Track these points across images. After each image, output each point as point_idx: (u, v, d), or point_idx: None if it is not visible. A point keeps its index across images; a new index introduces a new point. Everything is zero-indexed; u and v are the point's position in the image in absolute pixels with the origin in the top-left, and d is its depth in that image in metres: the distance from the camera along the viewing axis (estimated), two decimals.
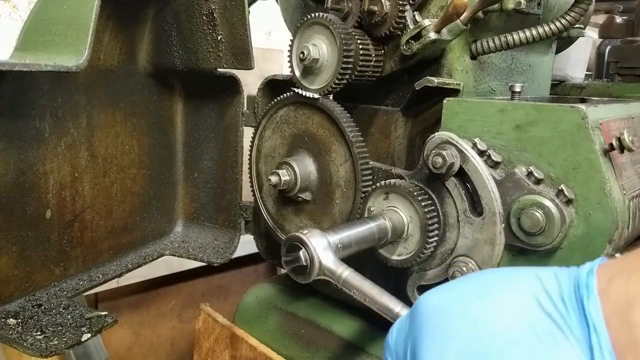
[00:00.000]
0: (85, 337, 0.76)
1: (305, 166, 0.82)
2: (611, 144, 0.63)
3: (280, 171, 0.81)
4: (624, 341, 0.37)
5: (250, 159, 0.92)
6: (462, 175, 0.66)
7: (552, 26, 0.76)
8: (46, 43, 0.75)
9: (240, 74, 0.98)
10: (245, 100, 1.01)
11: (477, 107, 0.67)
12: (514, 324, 0.41)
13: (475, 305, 0.43)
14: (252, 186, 0.93)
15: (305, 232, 0.60)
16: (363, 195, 0.76)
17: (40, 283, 0.86)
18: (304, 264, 0.60)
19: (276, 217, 0.90)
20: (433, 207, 0.68)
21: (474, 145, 0.66)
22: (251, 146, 0.91)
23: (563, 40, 1.02)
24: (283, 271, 1.23)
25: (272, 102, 0.85)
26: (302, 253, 0.60)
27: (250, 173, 0.93)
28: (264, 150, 0.89)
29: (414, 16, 0.74)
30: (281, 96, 0.84)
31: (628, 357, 0.37)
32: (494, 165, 0.66)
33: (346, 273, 0.59)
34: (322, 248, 0.60)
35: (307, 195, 0.83)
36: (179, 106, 1.09)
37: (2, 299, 0.80)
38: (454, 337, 0.42)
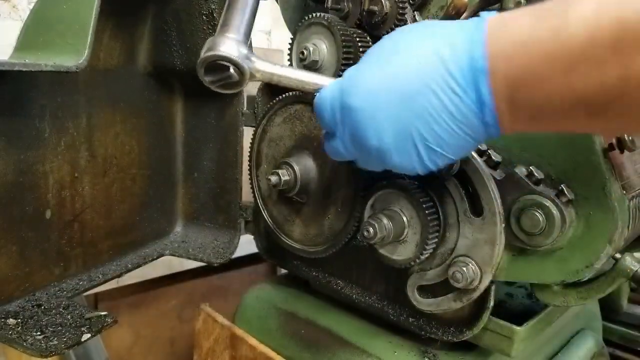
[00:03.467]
0: (85, 337, 0.76)
1: (307, 170, 0.81)
2: (611, 144, 0.63)
3: (280, 171, 0.81)
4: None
5: (253, 137, 0.90)
6: (463, 175, 0.66)
7: None
8: (46, 43, 0.75)
9: None
10: (245, 100, 1.01)
11: None
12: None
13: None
14: (250, 162, 0.91)
15: (220, 48, 0.58)
16: (357, 224, 0.76)
17: (40, 283, 0.86)
18: (237, 79, 0.59)
19: (267, 200, 0.90)
20: (433, 207, 0.68)
21: None
22: (257, 125, 0.89)
23: None
24: (283, 271, 1.23)
25: (289, 95, 0.83)
26: (232, 70, 0.59)
27: (251, 149, 0.91)
28: (270, 133, 0.87)
29: (414, 16, 0.74)
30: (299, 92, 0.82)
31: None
32: (494, 165, 0.66)
33: (278, 69, 0.61)
34: (244, 57, 0.59)
35: (302, 198, 0.83)
36: (179, 106, 1.09)
37: (2, 299, 0.80)
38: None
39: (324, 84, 0.59)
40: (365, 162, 0.58)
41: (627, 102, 0.42)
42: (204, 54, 0.58)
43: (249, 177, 0.93)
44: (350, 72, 0.56)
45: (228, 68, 0.59)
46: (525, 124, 0.49)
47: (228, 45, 0.58)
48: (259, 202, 0.90)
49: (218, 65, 0.59)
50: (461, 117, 0.48)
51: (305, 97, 0.81)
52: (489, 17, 0.48)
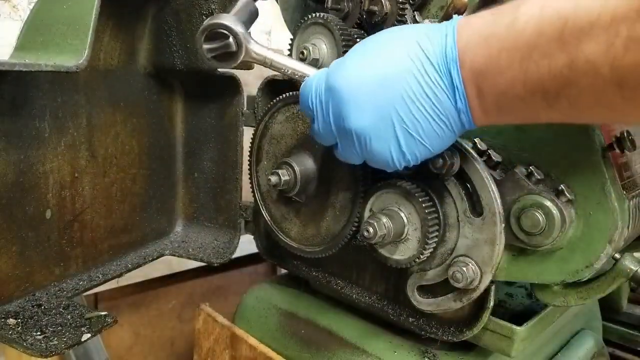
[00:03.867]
0: (85, 337, 0.76)
1: (307, 171, 0.81)
2: (611, 144, 0.63)
3: (280, 171, 0.81)
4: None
5: (254, 132, 0.90)
6: (462, 175, 0.66)
7: None
8: (46, 43, 0.75)
9: (240, 74, 0.98)
10: (245, 100, 1.01)
11: None
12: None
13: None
14: (250, 157, 0.91)
15: (222, 18, 0.63)
16: (354, 228, 0.76)
17: (40, 283, 0.86)
18: (234, 49, 0.63)
19: (266, 196, 0.90)
20: (433, 207, 0.68)
21: (474, 145, 0.66)
22: (259, 121, 0.89)
23: None
24: (283, 271, 1.22)
25: (293, 93, 0.82)
26: (231, 40, 0.63)
27: (252, 145, 0.91)
28: (271, 130, 0.86)
29: (414, 16, 0.74)
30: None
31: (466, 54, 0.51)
32: (494, 165, 0.66)
33: (271, 54, 0.66)
34: (245, 34, 0.64)
35: (301, 198, 0.83)
36: (179, 106, 1.09)
37: (2, 299, 0.80)
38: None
39: (311, 73, 0.63)
40: (345, 148, 0.60)
41: (576, 90, 0.45)
42: (205, 21, 0.63)
43: (249, 175, 0.93)
44: (336, 60, 0.60)
45: (227, 37, 0.62)
46: (493, 112, 0.53)
47: (229, 18, 0.62)
48: (258, 198, 0.90)
49: (218, 34, 0.62)
50: (436, 101, 0.53)
51: None
52: (460, 18, 0.54)
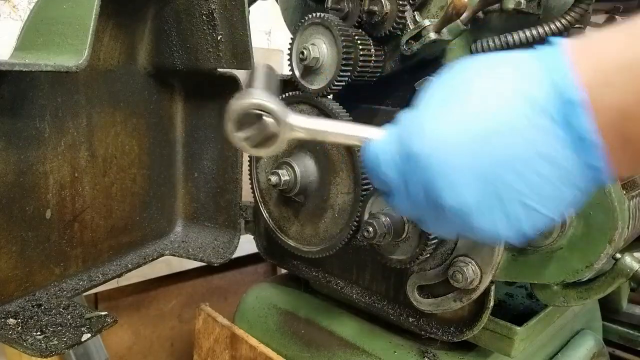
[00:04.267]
0: (85, 337, 0.76)
1: (307, 172, 0.81)
2: None
3: (280, 171, 0.81)
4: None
5: None
6: None
7: (552, 26, 0.76)
8: (46, 43, 0.75)
9: (240, 73, 0.98)
10: None
11: None
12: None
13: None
14: (250, 155, 0.91)
15: (252, 97, 0.50)
16: (352, 231, 0.76)
17: (40, 283, 0.86)
18: (274, 130, 0.50)
19: (265, 194, 0.90)
20: None
21: None
22: None
23: None
24: (283, 271, 1.22)
25: (295, 94, 0.81)
26: (268, 120, 0.49)
27: None
28: None
29: (414, 16, 0.74)
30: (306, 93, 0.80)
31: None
32: None
33: (315, 123, 0.52)
34: (283, 108, 0.50)
35: (300, 199, 0.83)
36: (179, 106, 1.09)
37: (2, 299, 0.80)
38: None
39: (372, 135, 0.50)
40: (437, 225, 0.48)
41: None
42: (233, 105, 0.49)
43: (249, 175, 0.93)
44: (409, 115, 0.46)
45: (261, 117, 0.50)
46: None
47: (260, 94, 0.50)
48: (257, 195, 0.90)
49: (249, 118, 0.50)
50: (557, 160, 0.40)
51: (310, 98, 0.80)
52: (563, 42, 0.41)
